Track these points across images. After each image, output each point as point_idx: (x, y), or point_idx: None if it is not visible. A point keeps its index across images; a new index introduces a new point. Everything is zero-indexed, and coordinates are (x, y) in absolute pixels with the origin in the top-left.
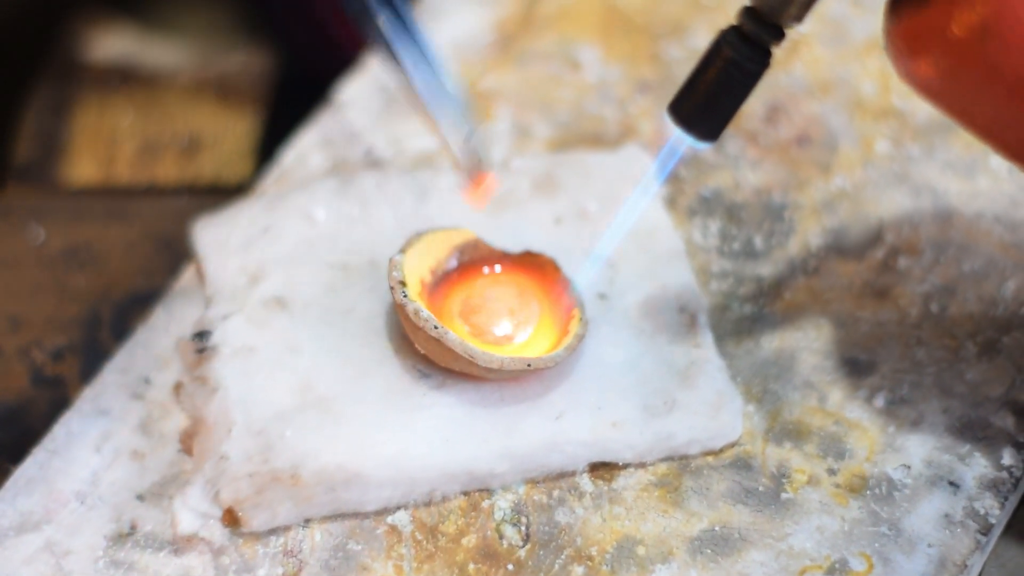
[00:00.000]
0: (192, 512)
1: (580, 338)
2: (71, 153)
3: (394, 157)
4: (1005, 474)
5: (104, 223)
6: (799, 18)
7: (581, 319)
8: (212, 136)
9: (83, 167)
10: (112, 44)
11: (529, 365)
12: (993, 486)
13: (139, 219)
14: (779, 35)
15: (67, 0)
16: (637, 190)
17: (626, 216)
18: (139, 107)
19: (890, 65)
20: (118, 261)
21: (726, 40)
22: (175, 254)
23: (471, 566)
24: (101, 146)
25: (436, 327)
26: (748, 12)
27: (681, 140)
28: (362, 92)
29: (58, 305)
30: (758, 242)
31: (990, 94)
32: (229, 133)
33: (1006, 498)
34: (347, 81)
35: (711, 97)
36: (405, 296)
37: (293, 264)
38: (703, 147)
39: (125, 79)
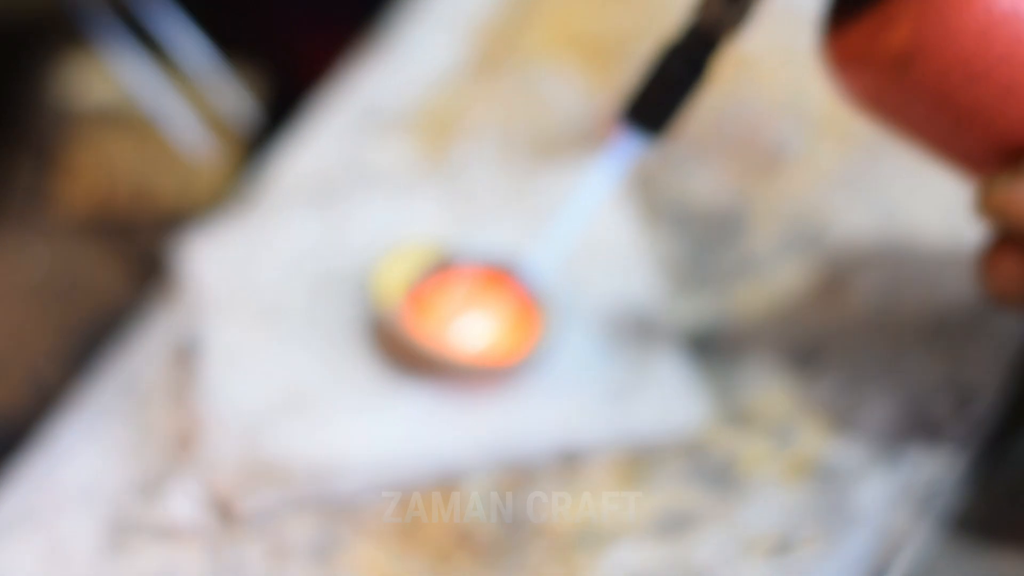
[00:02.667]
0: (186, 503)
1: (546, 338)
2: (58, 191)
3: (378, 170)
4: (947, 455)
5: (91, 251)
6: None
7: (547, 320)
8: (199, 170)
9: (73, 201)
10: (103, 87)
11: (497, 367)
12: (935, 466)
13: (129, 245)
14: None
15: (51, 44)
16: (587, 187)
17: (575, 211)
18: (130, 147)
19: None
20: (105, 287)
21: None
22: (163, 276)
23: (449, 548)
24: (89, 186)
25: (412, 332)
26: None
27: (630, 139)
28: (345, 106)
29: (48, 331)
30: (712, 246)
31: (917, 110)
32: (216, 167)
33: (947, 478)
34: (330, 96)
35: (657, 89)
36: (383, 303)
37: (278, 273)
38: (651, 144)
39: (117, 120)
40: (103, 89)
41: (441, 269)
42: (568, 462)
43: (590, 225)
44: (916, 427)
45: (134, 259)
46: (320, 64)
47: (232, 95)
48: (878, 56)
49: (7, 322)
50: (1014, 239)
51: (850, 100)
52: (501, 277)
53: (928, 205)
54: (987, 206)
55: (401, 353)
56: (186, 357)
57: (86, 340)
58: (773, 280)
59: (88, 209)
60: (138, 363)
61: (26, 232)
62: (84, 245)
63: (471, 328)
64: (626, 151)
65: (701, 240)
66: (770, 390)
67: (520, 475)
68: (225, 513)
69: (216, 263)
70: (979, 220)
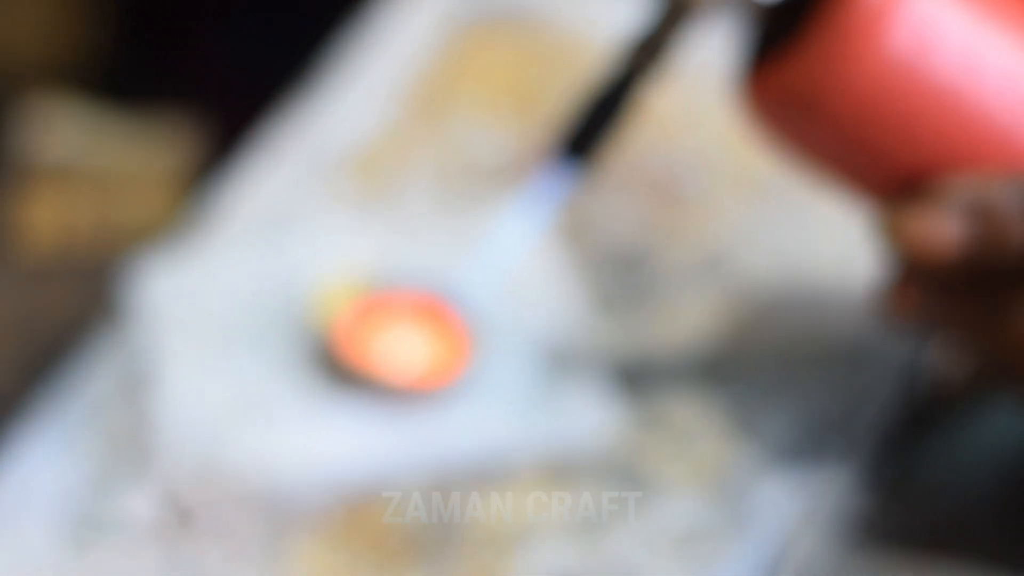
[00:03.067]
0: (144, 503)
1: (475, 359)
2: (23, 233)
3: (321, 207)
4: (835, 462)
5: (53, 288)
6: None
7: (476, 342)
8: (157, 220)
9: (37, 242)
10: (65, 136)
11: (427, 388)
12: (824, 471)
13: (90, 284)
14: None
15: (15, 96)
16: (516, 217)
17: (506, 239)
18: (91, 193)
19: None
20: (66, 319)
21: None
22: (119, 299)
23: (390, 545)
24: (52, 228)
25: (349, 354)
26: None
27: (560, 170)
28: (289, 148)
29: (9, 357)
30: (628, 275)
31: (821, 147)
32: (169, 213)
33: (836, 482)
34: (274, 138)
35: (587, 124)
36: (324, 326)
37: (228, 296)
38: (580, 173)
39: (78, 167)
40: (65, 138)
41: (378, 295)
42: (496, 468)
43: (520, 254)
44: (808, 436)
45: (95, 296)
46: (256, 106)
47: (174, 138)
48: (784, 98)
49: None
50: (912, 268)
51: (763, 136)
52: (435, 303)
53: (819, 243)
54: (883, 232)
55: (340, 372)
56: (142, 370)
57: (46, 359)
58: (681, 306)
59: (51, 249)
60: (97, 375)
61: None
62: (46, 283)
63: (405, 350)
64: (556, 182)
65: (618, 270)
66: (678, 402)
67: (452, 481)
68: (181, 513)
69: (170, 286)
70: (877, 247)
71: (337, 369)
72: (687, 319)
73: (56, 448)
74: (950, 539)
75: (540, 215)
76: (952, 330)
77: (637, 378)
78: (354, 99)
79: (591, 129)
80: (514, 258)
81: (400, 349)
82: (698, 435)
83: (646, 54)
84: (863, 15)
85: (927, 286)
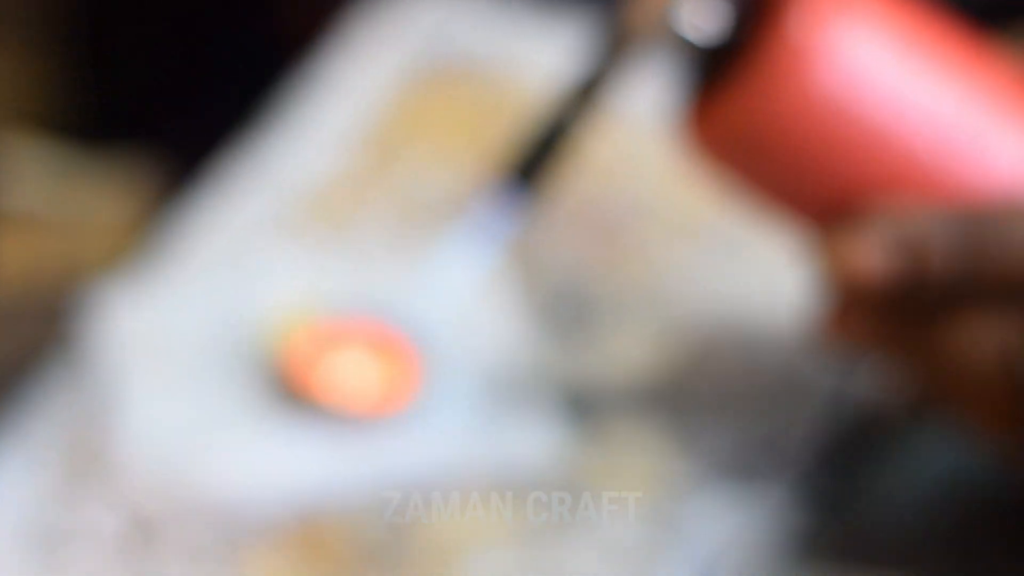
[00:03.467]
0: (106, 517)
1: (424, 384)
2: None
3: (280, 239)
4: (764, 480)
5: (18, 330)
6: None
7: (425, 367)
8: (120, 261)
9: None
10: (29, 184)
11: (380, 411)
12: (765, 489)
13: (53, 325)
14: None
15: None
16: (465, 246)
17: (456, 267)
18: (52, 240)
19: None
20: (23, 353)
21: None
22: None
23: (344, 556)
24: (17, 272)
25: (305, 380)
26: None
27: (508, 199)
28: (248, 183)
29: None
30: (571, 305)
31: (754, 172)
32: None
33: (774, 502)
34: (233, 173)
35: (531, 156)
36: (281, 353)
37: (188, 323)
38: (523, 207)
39: (41, 215)
40: (30, 181)
41: (331, 324)
42: (445, 484)
43: (467, 283)
44: (742, 454)
45: (58, 334)
46: (216, 149)
47: (136, 181)
48: (720, 134)
49: None
50: (846, 295)
51: (703, 169)
52: (385, 331)
53: (751, 278)
54: (817, 259)
55: (294, 398)
56: (104, 394)
57: (10, 388)
58: (622, 333)
59: (16, 290)
60: (60, 399)
61: None
62: (11, 322)
63: (357, 377)
64: (503, 213)
65: (562, 299)
66: (617, 422)
67: (402, 495)
68: (143, 526)
69: (130, 316)
70: (813, 274)
71: (291, 395)
72: (627, 345)
73: (22, 467)
74: (885, 557)
75: (487, 245)
76: (887, 354)
77: (579, 400)
78: (311, 142)
79: (536, 161)
80: (462, 287)
81: (351, 376)
82: (636, 452)
83: (589, 90)
84: (788, 56)
85: (862, 311)
